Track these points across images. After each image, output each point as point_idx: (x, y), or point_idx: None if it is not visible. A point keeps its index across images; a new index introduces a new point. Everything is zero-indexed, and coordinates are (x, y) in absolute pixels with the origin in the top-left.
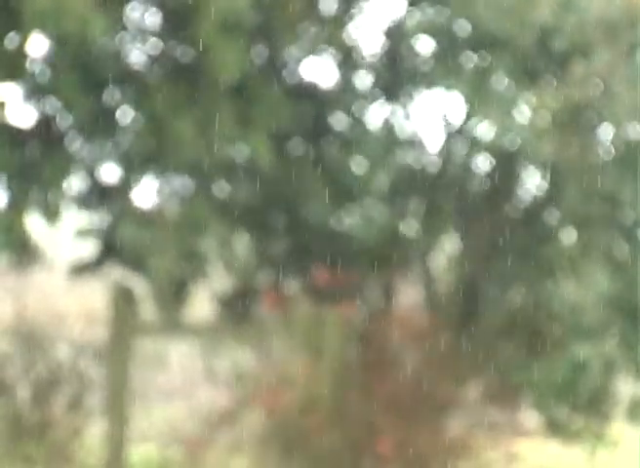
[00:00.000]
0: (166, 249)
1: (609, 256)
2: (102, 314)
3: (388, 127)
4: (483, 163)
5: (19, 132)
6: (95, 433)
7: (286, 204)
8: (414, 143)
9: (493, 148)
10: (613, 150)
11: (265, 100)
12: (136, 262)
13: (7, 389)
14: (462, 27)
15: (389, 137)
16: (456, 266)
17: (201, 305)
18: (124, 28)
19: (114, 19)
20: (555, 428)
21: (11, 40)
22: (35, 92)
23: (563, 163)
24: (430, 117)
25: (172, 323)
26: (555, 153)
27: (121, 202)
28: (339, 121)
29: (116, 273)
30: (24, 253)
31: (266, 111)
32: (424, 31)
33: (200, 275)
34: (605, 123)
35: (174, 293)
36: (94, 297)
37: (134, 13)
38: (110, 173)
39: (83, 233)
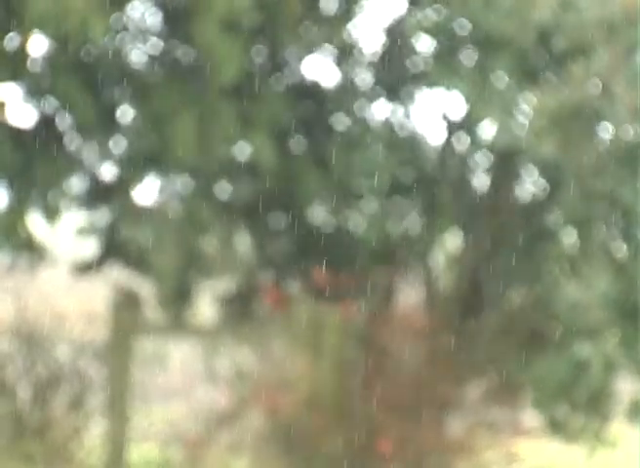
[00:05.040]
0: (168, 248)
1: (609, 256)
2: (103, 314)
3: (389, 126)
4: (483, 162)
5: (19, 132)
6: (95, 433)
7: (287, 203)
8: (414, 142)
9: (493, 147)
10: (613, 150)
11: (266, 100)
12: (138, 261)
13: (7, 389)
14: (463, 27)
15: (390, 136)
16: (456, 265)
17: (202, 305)
18: (124, 28)
19: (115, 19)
20: (555, 428)
21: (11, 40)
22: (35, 92)
23: (563, 162)
24: (431, 116)
25: (173, 323)
26: (555, 153)
27: (122, 201)
28: (340, 120)
29: (118, 273)
30: (29, 252)
31: (267, 110)
32: (425, 30)
33: (203, 275)
34: (605, 123)
35: (177, 293)
36: (95, 297)
37: (134, 13)
38: (111, 172)
39: (84, 231)
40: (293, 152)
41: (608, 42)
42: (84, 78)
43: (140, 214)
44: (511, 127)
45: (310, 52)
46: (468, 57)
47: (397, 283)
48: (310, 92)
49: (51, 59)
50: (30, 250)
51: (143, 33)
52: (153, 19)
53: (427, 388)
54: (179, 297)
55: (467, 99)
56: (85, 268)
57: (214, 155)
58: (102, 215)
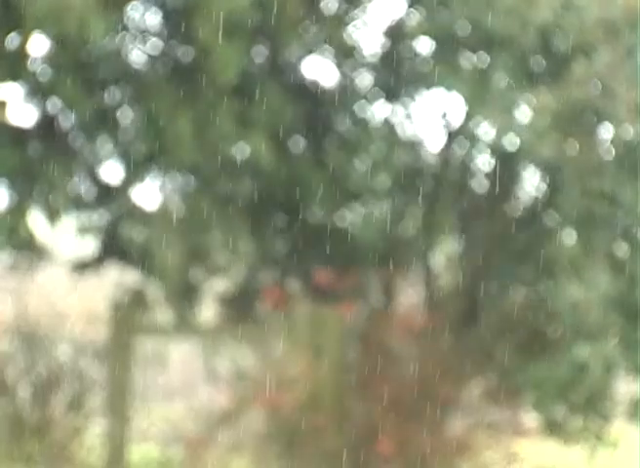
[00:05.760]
0: (170, 247)
1: (609, 257)
2: (103, 314)
3: (389, 126)
4: (483, 163)
5: (20, 132)
6: (95, 432)
7: (287, 203)
8: (414, 143)
9: (493, 148)
10: (613, 150)
11: (266, 100)
12: (139, 261)
13: (8, 388)
14: (462, 27)
15: (390, 137)
16: (456, 266)
17: (202, 305)
18: (124, 28)
19: (115, 20)
20: (553, 429)
21: (12, 40)
22: (36, 92)
23: (563, 163)
24: (431, 117)
25: (174, 322)
26: (555, 153)
27: (123, 201)
28: (339, 121)
29: (118, 272)
30: (29, 252)
31: (267, 111)
32: (424, 32)
33: (205, 274)
34: (605, 123)
35: (180, 292)
36: (95, 297)
37: (134, 13)
38: (112, 172)
39: (85, 230)
40: (292, 152)
41: (608, 42)
42: (84, 78)
43: (140, 213)
44: (511, 127)
45: (310, 52)
46: (468, 58)
47: (397, 283)
48: (310, 92)
49: (51, 59)
50: (31, 249)
51: (143, 33)
52: (153, 19)
53: (427, 388)
54: (182, 296)
55: (467, 101)
56: (83, 267)
57: (213, 155)
58: (103, 215)
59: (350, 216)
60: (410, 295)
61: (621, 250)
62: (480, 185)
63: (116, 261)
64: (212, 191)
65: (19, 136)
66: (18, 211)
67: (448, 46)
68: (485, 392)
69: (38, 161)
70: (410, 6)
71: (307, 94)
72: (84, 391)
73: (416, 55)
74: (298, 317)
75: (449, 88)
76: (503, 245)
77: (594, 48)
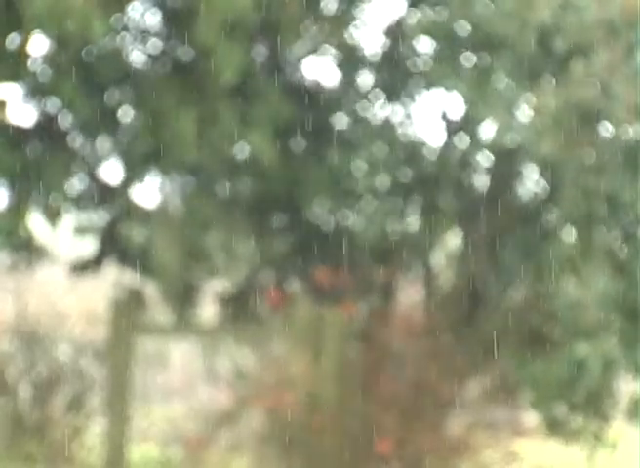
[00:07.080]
0: (169, 246)
1: (609, 256)
2: (103, 314)
3: (389, 126)
4: (484, 162)
5: (20, 131)
6: (95, 432)
7: (287, 203)
8: (415, 142)
9: (493, 147)
10: (612, 150)
11: (266, 99)
12: (139, 261)
13: (8, 388)
14: (462, 27)
15: (390, 137)
16: (456, 265)
17: (202, 305)
18: (125, 28)
19: (115, 19)
20: (553, 427)
21: (12, 40)
22: (36, 91)
23: (563, 162)
24: (431, 116)
25: (173, 322)
26: (555, 153)
27: (123, 201)
28: (340, 120)
29: (118, 272)
30: (29, 252)
31: (267, 110)
32: (425, 31)
33: (204, 273)
34: (604, 122)
35: (179, 292)
36: (95, 297)
37: (134, 13)
38: (112, 172)
39: (82, 230)
40: (293, 152)
41: (608, 42)
42: (84, 78)
43: (141, 213)
44: (511, 127)
45: (311, 52)
46: (468, 57)
47: (397, 282)
48: (311, 92)
49: (51, 59)
50: (30, 249)
51: (143, 33)
52: (153, 19)
53: (427, 388)
54: (181, 296)
55: (467, 100)
56: (82, 267)
57: (214, 155)
58: (103, 215)
59: (350, 216)
60: (410, 295)
61: (621, 249)
62: (480, 184)
63: (116, 261)
64: (212, 191)
65: (18, 135)
66: (17, 211)
67: (448, 46)
68: (485, 391)
69: (38, 161)
70: (410, 5)
71: (308, 93)
72: (84, 391)
73: (416, 54)
74: (298, 317)
75: (449, 87)
76: (503, 244)
77: (593, 48)
